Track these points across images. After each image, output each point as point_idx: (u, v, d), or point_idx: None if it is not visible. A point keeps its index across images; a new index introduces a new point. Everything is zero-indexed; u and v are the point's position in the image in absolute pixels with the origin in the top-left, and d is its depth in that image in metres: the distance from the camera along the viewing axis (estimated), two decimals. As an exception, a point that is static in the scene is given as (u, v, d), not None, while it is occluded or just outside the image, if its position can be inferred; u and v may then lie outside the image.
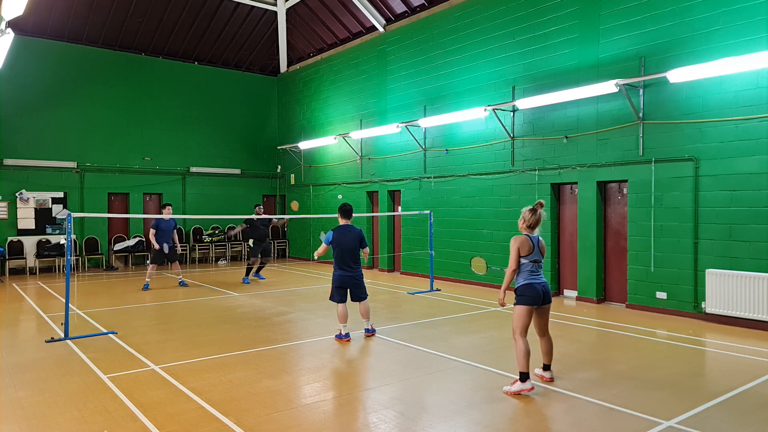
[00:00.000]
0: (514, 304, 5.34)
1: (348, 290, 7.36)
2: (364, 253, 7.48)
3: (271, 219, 12.83)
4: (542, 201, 5.45)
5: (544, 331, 5.54)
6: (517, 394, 5.12)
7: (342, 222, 7.44)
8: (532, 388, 5.14)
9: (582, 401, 5.03)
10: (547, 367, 5.60)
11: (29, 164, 15.17)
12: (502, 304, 5.42)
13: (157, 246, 11.86)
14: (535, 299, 5.27)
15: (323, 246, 7.30)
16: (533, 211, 5.39)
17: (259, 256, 12.90)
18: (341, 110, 16.68)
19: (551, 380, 5.53)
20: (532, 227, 5.40)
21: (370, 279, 13.60)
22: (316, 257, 7.53)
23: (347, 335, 7.32)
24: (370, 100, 15.40)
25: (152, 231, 11.90)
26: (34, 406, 4.97)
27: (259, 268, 13.30)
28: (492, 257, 11.72)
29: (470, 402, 5.07)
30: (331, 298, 7.40)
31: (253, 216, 12.22)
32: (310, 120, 18.18)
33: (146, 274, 12.20)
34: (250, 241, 12.82)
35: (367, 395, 5.26)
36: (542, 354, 5.62)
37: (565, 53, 10.40)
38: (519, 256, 5.31)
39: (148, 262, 12.02)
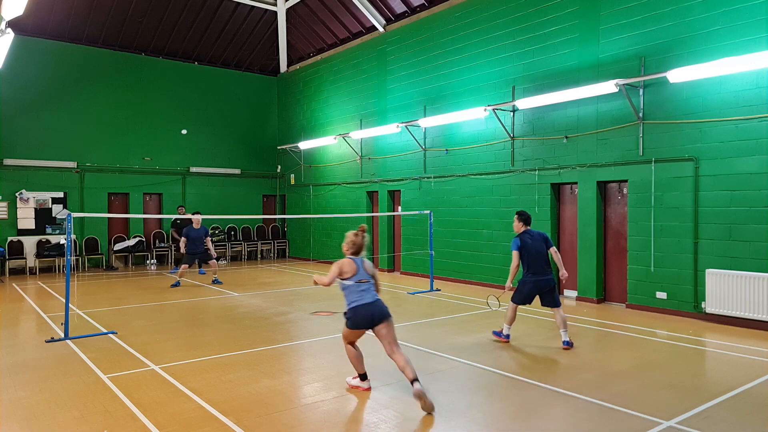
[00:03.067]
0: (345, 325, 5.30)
1: (538, 295, 7.03)
2: (553, 253, 7.08)
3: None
4: (364, 226, 5.45)
5: (391, 350, 5.10)
6: (354, 388, 5.37)
7: (524, 228, 7.15)
8: (369, 389, 5.34)
9: (582, 401, 5.02)
10: (415, 381, 4.83)
11: (29, 164, 15.16)
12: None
13: (183, 250, 12.68)
14: (361, 324, 5.15)
15: (516, 255, 6.93)
16: (356, 236, 5.31)
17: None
18: (341, 110, 16.68)
19: (422, 395, 4.73)
20: (355, 252, 5.30)
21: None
22: (509, 284, 7.09)
23: (508, 336, 7.18)
24: (370, 100, 15.39)
25: (183, 240, 12.54)
26: (34, 406, 4.97)
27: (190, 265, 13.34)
28: (492, 257, 11.73)
29: (470, 402, 5.07)
30: (514, 300, 7.07)
31: (177, 216, 13.39)
32: (310, 120, 18.18)
33: (177, 273, 12.74)
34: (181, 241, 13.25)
35: (367, 395, 5.26)
36: (400, 370, 5.04)
37: (565, 53, 10.40)
38: (337, 277, 5.21)
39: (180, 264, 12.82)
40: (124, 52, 16.91)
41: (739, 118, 8.10)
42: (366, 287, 5.21)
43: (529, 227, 7.17)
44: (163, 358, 6.47)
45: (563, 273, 7.02)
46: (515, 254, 6.96)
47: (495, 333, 7.35)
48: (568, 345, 6.84)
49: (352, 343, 5.37)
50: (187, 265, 12.55)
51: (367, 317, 5.12)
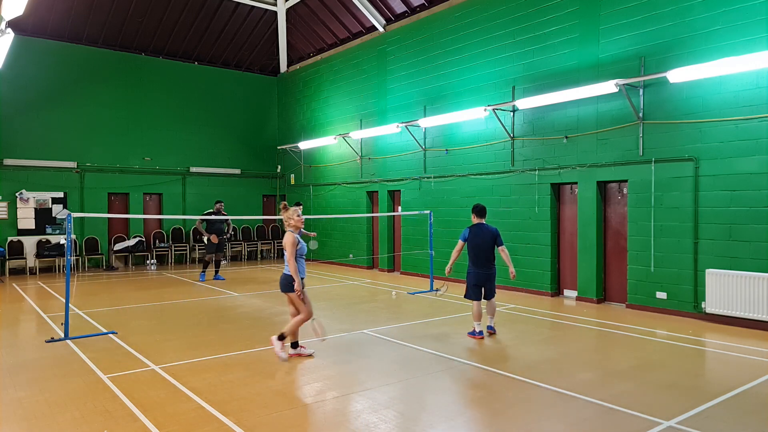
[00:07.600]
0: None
1: (482, 288, 7.55)
2: (502, 252, 7.55)
3: (227, 218, 13.46)
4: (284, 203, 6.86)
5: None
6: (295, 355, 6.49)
7: (476, 221, 7.64)
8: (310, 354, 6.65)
9: (582, 401, 5.03)
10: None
11: (29, 164, 15.16)
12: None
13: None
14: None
15: (459, 243, 7.58)
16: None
17: (215, 251, 13.47)
18: (341, 110, 16.68)
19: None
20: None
21: (370, 279, 13.61)
22: (448, 271, 7.78)
23: (480, 333, 7.44)
24: (370, 100, 15.39)
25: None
26: (34, 406, 4.97)
27: (216, 268, 13.76)
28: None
29: (470, 402, 5.07)
30: (467, 296, 7.61)
31: (212, 212, 13.34)
32: (310, 120, 18.18)
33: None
34: (205, 238, 13.30)
35: (367, 395, 5.26)
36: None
37: (565, 53, 10.39)
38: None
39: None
40: (124, 52, 16.91)
41: (739, 118, 8.09)
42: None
43: (482, 220, 7.63)
44: (163, 358, 6.47)
45: (512, 272, 7.60)
46: (459, 243, 7.61)
47: (469, 333, 7.56)
48: (492, 330, 7.59)
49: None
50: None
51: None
